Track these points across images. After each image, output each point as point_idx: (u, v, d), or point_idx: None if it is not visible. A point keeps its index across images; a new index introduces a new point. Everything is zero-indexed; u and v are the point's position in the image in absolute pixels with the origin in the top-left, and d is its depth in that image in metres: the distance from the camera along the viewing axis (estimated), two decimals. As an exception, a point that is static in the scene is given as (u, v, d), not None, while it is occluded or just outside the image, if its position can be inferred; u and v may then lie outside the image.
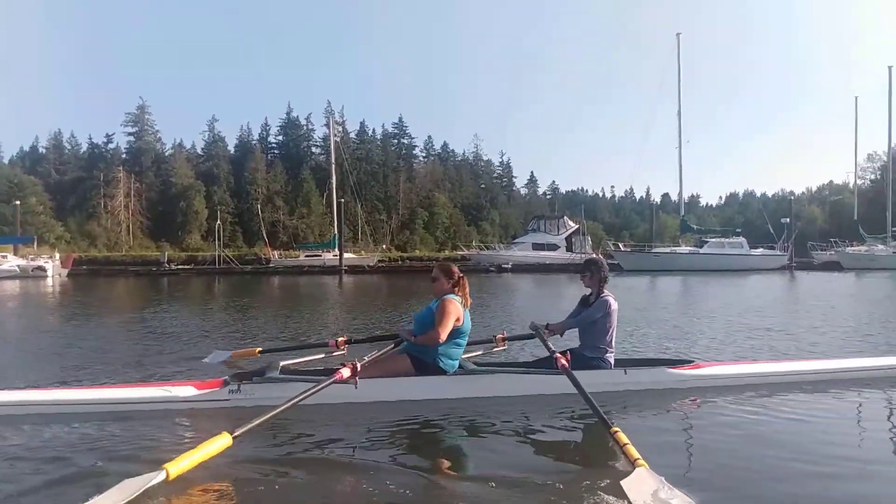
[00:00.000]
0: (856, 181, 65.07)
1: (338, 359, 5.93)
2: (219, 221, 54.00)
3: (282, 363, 5.60)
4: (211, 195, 78.47)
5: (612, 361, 5.74)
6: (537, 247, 53.30)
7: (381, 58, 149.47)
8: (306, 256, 53.14)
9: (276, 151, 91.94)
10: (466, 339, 5.54)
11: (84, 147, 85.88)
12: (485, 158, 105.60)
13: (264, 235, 57.98)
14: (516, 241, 59.21)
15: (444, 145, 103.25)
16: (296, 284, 33.24)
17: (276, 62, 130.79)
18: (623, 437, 3.82)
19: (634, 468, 3.50)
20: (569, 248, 53.57)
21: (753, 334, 9.86)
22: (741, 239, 50.48)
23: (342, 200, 49.04)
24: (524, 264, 48.60)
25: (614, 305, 5.77)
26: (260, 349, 7.24)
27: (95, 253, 64.73)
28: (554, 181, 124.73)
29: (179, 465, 3.28)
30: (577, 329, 5.92)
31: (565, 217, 57.52)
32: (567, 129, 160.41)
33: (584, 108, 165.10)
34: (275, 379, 5.13)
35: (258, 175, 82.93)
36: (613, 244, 54.26)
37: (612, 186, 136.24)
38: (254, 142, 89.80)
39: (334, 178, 56.19)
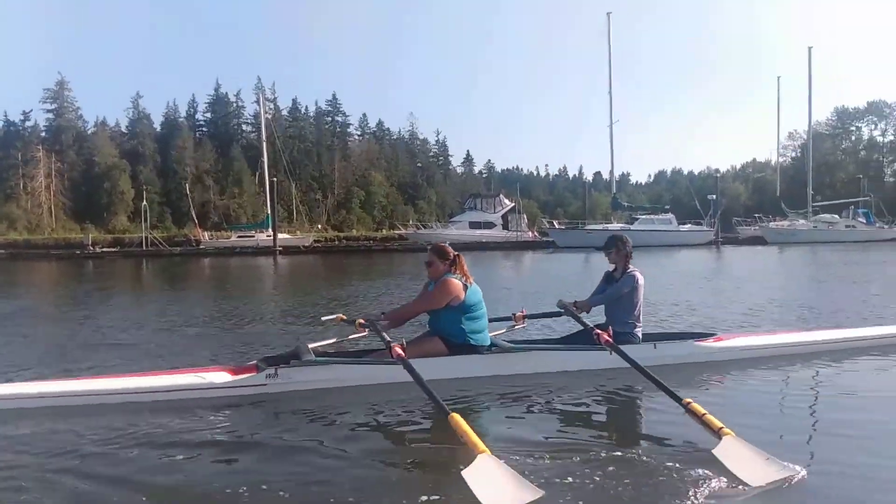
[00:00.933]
0: (778, 159, 67.58)
1: (359, 339, 6.02)
2: (144, 202, 52.02)
3: (309, 344, 5.48)
4: (137, 175, 75.62)
5: (640, 336, 5.80)
6: (474, 225, 53.38)
7: (314, 33, 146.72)
8: (238, 237, 51.72)
9: (204, 129, 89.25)
10: (481, 312, 5.42)
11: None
12: (420, 137, 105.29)
13: (193, 216, 56.18)
14: (453, 219, 59.24)
15: (380, 123, 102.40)
16: (228, 266, 32.30)
17: (203, 37, 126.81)
18: (699, 408, 3.81)
19: (720, 437, 3.50)
20: (505, 227, 53.83)
21: (697, 306, 10.26)
22: (670, 215, 51.89)
23: (274, 179, 47.86)
24: (461, 243, 48.61)
25: (641, 280, 5.85)
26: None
27: (15, 236, 61.73)
28: (490, 160, 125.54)
29: (480, 443, 3.29)
30: (601, 305, 5.97)
31: (501, 195, 57.73)
32: (503, 108, 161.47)
33: (519, 87, 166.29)
34: (315, 362, 5.01)
35: (186, 154, 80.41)
36: (548, 222, 54.92)
37: (547, 165, 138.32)
38: (181, 119, 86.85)
39: (266, 156, 54.82)
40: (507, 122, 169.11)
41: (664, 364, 5.23)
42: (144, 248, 48.31)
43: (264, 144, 55.34)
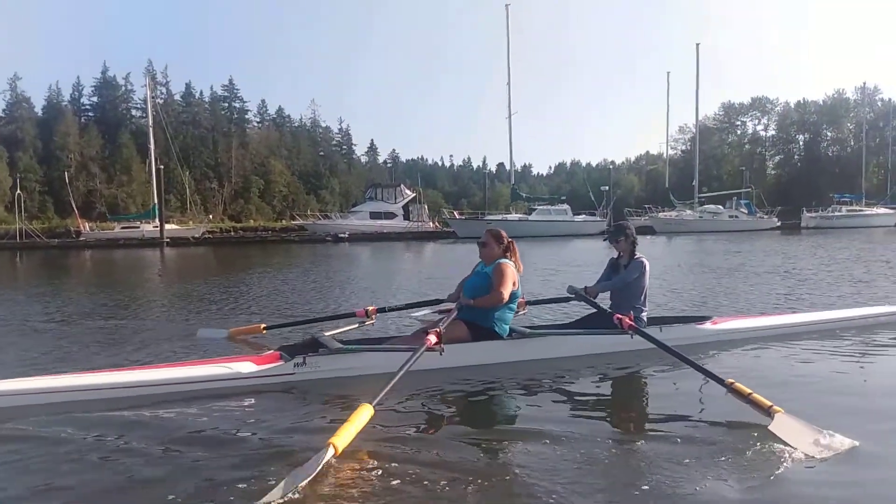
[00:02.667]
0: (667, 151, 70.20)
1: (370, 328, 6.07)
2: (18, 191, 48.46)
3: (327, 333, 5.44)
4: (15, 162, 70.40)
5: (646, 320, 5.89)
6: (374, 215, 52.80)
7: (208, 12, 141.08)
8: (122, 228, 48.88)
9: (90, 114, 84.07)
10: (515, 305, 5.49)
11: None
12: (323, 125, 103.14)
13: (73, 205, 52.81)
14: (353, 209, 58.41)
15: (280, 110, 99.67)
16: (110, 259, 30.66)
17: (87, 12, 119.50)
18: (744, 387, 3.85)
19: (772, 415, 3.57)
20: (406, 217, 53.60)
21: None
22: (565, 206, 53.30)
23: (161, 167, 45.57)
24: (361, 233, 48.12)
25: (648, 266, 6.02)
26: (264, 325, 6.92)
27: None
28: (394, 150, 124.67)
29: (342, 440, 3.16)
30: (606, 290, 6.11)
31: (402, 186, 57.37)
32: (407, 97, 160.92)
33: (424, 76, 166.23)
34: (344, 350, 4.99)
35: (70, 140, 75.40)
36: (449, 212, 55.12)
37: (451, 155, 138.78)
38: (64, 103, 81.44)
39: (152, 141, 52.09)
40: (412, 112, 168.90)
41: (671, 346, 5.25)
42: (19, 239, 45.01)
43: (151, 129, 52.54)
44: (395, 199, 54.49)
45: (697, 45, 61.29)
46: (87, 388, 4.48)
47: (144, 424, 3.94)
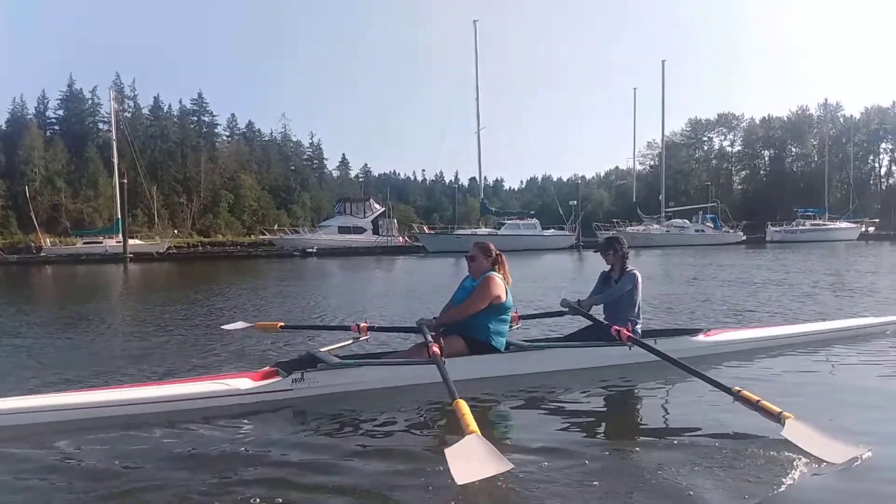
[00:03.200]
0: (634, 166, 71.05)
1: (362, 344, 6.01)
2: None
3: (322, 349, 5.41)
4: (-22, 177, 69.03)
5: (640, 332, 5.87)
6: (343, 230, 52.37)
7: (180, 30, 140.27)
8: (85, 244, 47.90)
9: (56, 128, 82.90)
10: (509, 317, 5.45)
11: None
12: (294, 139, 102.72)
13: (34, 220, 51.83)
14: (322, 224, 57.99)
15: (250, 124, 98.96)
16: (72, 275, 29.94)
17: (53, 25, 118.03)
18: (751, 395, 3.82)
19: (783, 421, 3.53)
20: (375, 231, 53.32)
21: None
22: (534, 220, 53.64)
23: (125, 181, 44.87)
24: (330, 248, 47.82)
25: (640, 278, 6.03)
26: (282, 324, 6.89)
27: None
28: (366, 164, 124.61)
29: (473, 425, 3.24)
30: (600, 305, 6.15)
31: (371, 200, 57.11)
32: (380, 112, 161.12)
33: (397, 91, 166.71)
34: (343, 365, 4.94)
35: (35, 153, 74.12)
36: (418, 227, 55.05)
37: (424, 170, 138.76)
38: (29, 116, 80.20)
39: (116, 156, 51.37)
40: (385, 126, 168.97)
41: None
42: (-22, 256, 44.01)
43: (115, 143, 51.82)
44: (365, 213, 54.21)
45: (663, 61, 62.36)
46: (78, 406, 4.37)
47: (140, 445, 3.84)
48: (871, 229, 60.48)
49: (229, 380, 4.83)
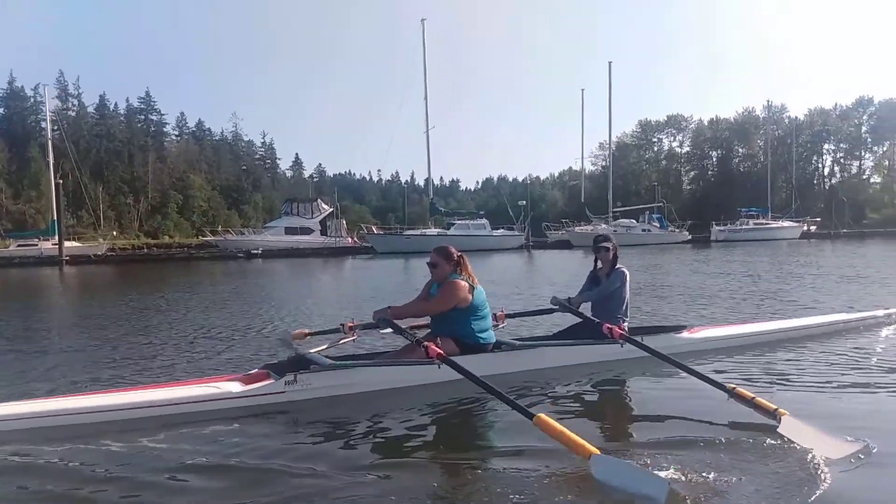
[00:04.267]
0: (582, 167, 71.67)
1: (351, 343, 5.89)
2: None
3: (312, 350, 5.26)
4: None
5: (628, 329, 5.86)
6: (290, 231, 51.58)
7: (124, 23, 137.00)
8: (19, 246, 46.37)
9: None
10: (487, 311, 5.41)
11: None
12: (246, 138, 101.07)
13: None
14: (268, 225, 57.13)
15: (199, 123, 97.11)
16: (4, 279, 28.82)
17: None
18: (746, 392, 3.88)
19: (778, 417, 3.59)
20: (323, 232, 52.63)
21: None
22: (484, 221, 53.69)
23: (59, 182, 43.48)
24: (276, 249, 47.04)
25: (628, 275, 6.11)
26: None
27: None
28: (320, 164, 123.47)
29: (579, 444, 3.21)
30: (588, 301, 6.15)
31: (319, 200, 56.33)
32: (336, 112, 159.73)
33: (352, 91, 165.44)
34: (338, 366, 4.84)
35: (-27, 152, 71.66)
36: (367, 227, 54.55)
37: (379, 170, 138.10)
38: (-34, 113, 77.39)
39: (51, 155, 49.80)
40: (340, 127, 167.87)
41: (650, 356, 5.22)
42: None
43: (49, 142, 50.18)
44: (312, 213, 53.42)
45: (610, 63, 62.94)
46: (65, 412, 4.26)
47: (128, 450, 3.77)
48: (814, 228, 61.98)
49: (219, 383, 4.76)
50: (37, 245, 45.42)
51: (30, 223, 67.04)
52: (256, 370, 5.01)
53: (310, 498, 3.05)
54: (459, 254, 5.36)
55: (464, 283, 5.20)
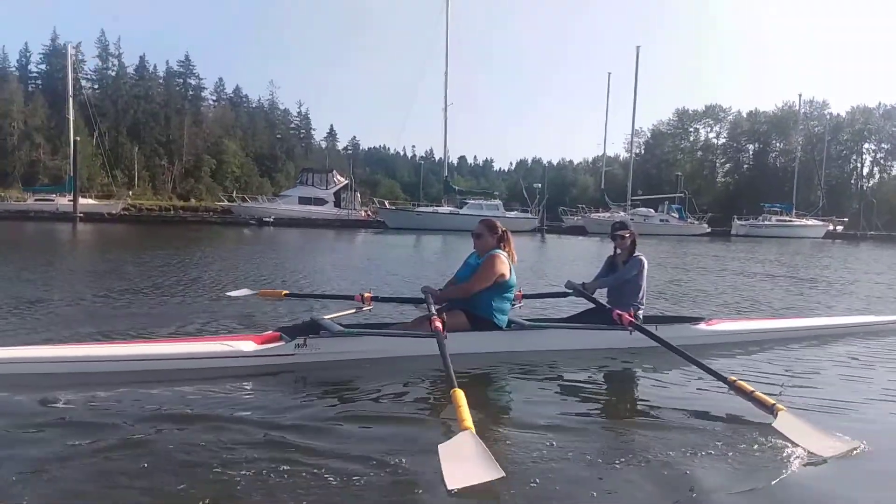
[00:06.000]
0: (604, 153, 70.36)
1: (366, 314, 6.01)
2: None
3: (326, 317, 5.37)
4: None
5: (642, 318, 5.85)
6: (304, 200, 51.86)
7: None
8: (36, 200, 47.79)
9: (38, 82, 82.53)
10: (512, 295, 5.50)
11: None
12: (282, 107, 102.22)
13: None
14: (282, 194, 57.74)
15: (237, 90, 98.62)
16: (18, 232, 29.67)
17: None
18: (746, 385, 3.89)
19: (775, 413, 3.59)
20: (337, 204, 53.04)
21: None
22: (497, 201, 53.29)
23: (77, 139, 44.70)
24: (288, 218, 47.66)
25: (646, 264, 6.02)
26: (286, 292, 7.21)
27: None
28: (355, 136, 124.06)
29: (469, 420, 3.20)
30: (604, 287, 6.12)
31: (335, 172, 56.71)
32: (376, 86, 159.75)
33: (392, 67, 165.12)
34: (346, 333, 4.94)
35: (14, 108, 73.88)
36: (379, 202, 54.79)
37: (413, 146, 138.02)
38: (11, 69, 79.81)
39: (71, 112, 50.94)
40: (376, 100, 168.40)
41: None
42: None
43: (70, 99, 51.32)
44: (328, 185, 53.72)
45: (638, 47, 61.65)
46: (78, 359, 4.42)
47: (142, 399, 3.90)
48: (840, 228, 60.11)
49: (232, 342, 4.86)
50: (53, 200, 46.79)
51: (66, 179, 69.15)
52: (270, 332, 5.13)
53: (304, 453, 3.16)
54: (504, 229, 5.42)
55: (505, 259, 5.26)
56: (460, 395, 3.42)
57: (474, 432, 3.11)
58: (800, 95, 74.04)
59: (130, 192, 61.07)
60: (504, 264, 5.24)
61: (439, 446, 2.99)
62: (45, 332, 5.90)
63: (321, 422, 3.63)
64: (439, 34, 53.99)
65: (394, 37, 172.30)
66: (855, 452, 3.33)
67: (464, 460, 2.90)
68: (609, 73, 63.18)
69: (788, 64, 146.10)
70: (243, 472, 2.91)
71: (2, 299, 7.76)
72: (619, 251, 6.17)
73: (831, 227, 58.70)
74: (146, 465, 2.97)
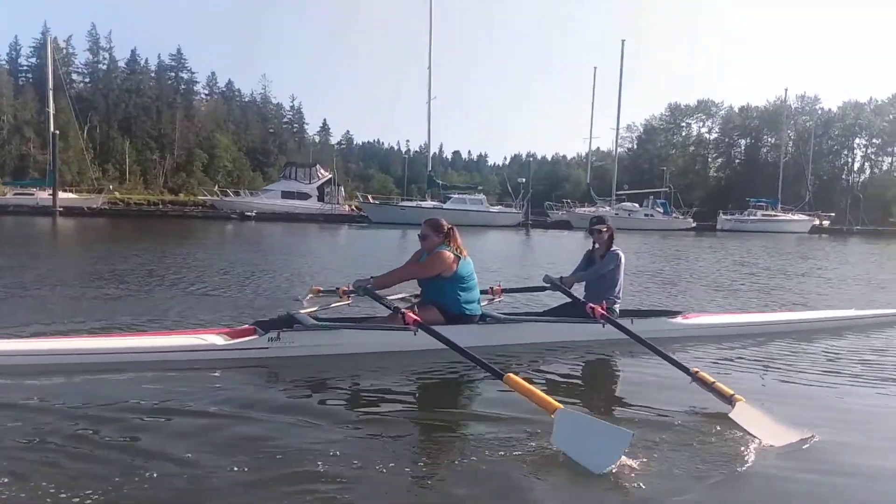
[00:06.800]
0: (590, 147, 70.02)
1: (343, 307, 6.01)
2: None
3: (301, 310, 5.43)
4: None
5: (619, 311, 6.00)
6: (287, 195, 51.86)
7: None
8: (15, 194, 47.68)
9: (28, 76, 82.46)
10: (473, 283, 5.54)
11: None
12: (274, 101, 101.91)
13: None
14: (265, 188, 57.77)
15: (229, 83, 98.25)
16: None
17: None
18: (707, 376, 4.01)
19: (733, 403, 3.71)
20: (321, 198, 53.03)
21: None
22: (481, 196, 53.36)
23: (56, 132, 44.62)
24: (271, 213, 47.62)
25: (623, 258, 6.15)
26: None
27: None
28: (348, 131, 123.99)
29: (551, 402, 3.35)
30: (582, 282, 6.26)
31: (318, 166, 56.55)
32: (368, 80, 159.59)
33: (385, 61, 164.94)
34: (320, 327, 4.99)
35: (3, 101, 73.83)
36: (363, 196, 54.74)
37: (408, 140, 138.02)
38: (1, 62, 79.69)
39: (52, 103, 50.89)
40: (371, 95, 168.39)
41: (640, 338, 5.14)
42: None
43: (50, 93, 51.26)
44: (311, 179, 53.63)
45: (623, 41, 61.39)
46: (50, 352, 4.45)
47: (112, 392, 3.91)
48: (826, 223, 59.98)
49: (205, 335, 4.91)
50: (33, 194, 46.72)
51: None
52: (245, 326, 5.21)
53: (277, 442, 3.21)
54: (450, 226, 5.51)
55: (449, 254, 5.34)
56: (518, 380, 3.59)
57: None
58: (786, 90, 73.97)
59: (111, 186, 60.81)
60: (447, 258, 5.34)
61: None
62: (12, 327, 5.84)
63: (292, 416, 3.64)
64: (423, 28, 53.84)
65: (384, 31, 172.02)
66: (806, 442, 3.44)
67: (586, 437, 3.12)
68: (595, 68, 62.97)
69: (780, 58, 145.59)
70: (206, 465, 2.91)
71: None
72: (597, 245, 6.27)
73: (817, 222, 58.57)
74: (109, 456, 2.99)
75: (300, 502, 2.67)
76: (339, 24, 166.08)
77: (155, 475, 2.80)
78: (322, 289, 6.17)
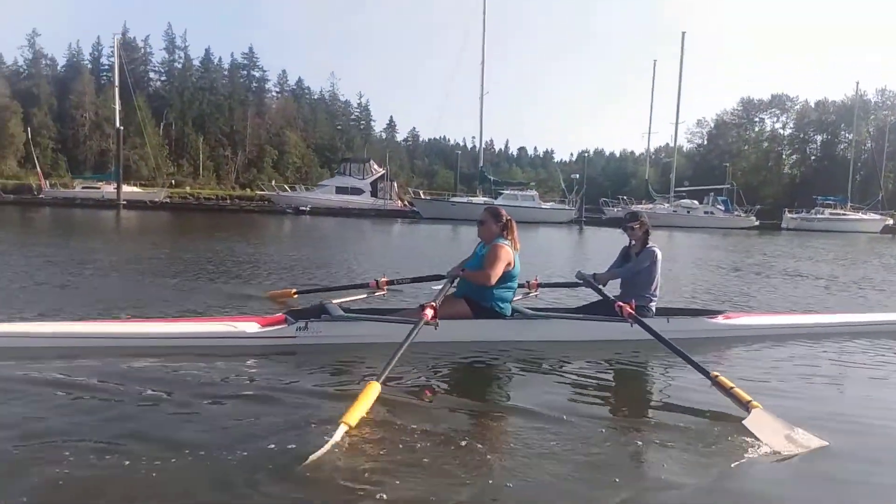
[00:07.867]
0: (649, 144, 68.21)
1: (378, 299, 6.13)
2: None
3: (334, 301, 5.55)
4: (30, 118, 72.90)
5: (655, 310, 5.89)
6: (341, 190, 52.77)
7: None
8: (83, 188, 50.20)
9: (108, 75, 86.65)
10: (515, 284, 5.54)
11: None
12: (342, 99, 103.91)
13: (37, 161, 53.88)
14: (320, 183, 58.85)
15: (299, 81, 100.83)
16: (64, 217, 31.29)
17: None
18: (727, 381, 3.93)
19: (749, 409, 3.63)
20: (374, 194, 53.70)
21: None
22: (533, 192, 52.88)
23: (121, 128, 46.84)
24: (325, 208, 48.64)
25: (659, 255, 5.98)
26: (296, 290, 7.30)
27: None
28: (414, 128, 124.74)
29: (353, 417, 3.18)
30: (617, 279, 6.12)
31: (371, 162, 57.36)
32: (436, 77, 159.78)
33: (454, 57, 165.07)
34: (346, 318, 5.13)
35: (86, 99, 78.06)
36: (414, 192, 55.13)
37: (473, 137, 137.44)
38: (84, 62, 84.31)
39: (118, 102, 53.05)
40: (439, 92, 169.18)
41: (676, 338, 4.91)
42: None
43: (116, 90, 53.61)
44: (364, 175, 54.44)
45: (683, 33, 59.58)
46: (93, 335, 4.70)
47: (145, 375, 4.10)
48: (898, 223, 56.52)
49: (238, 322, 5.09)
50: (99, 188, 49.14)
51: (133, 169, 72.57)
52: (278, 315, 5.32)
53: (298, 425, 3.35)
54: (509, 217, 5.45)
55: (509, 249, 5.30)
56: (374, 391, 3.44)
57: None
58: (857, 83, 69.91)
59: (173, 181, 63.37)
60: (508, 254, 5.27)
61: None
62: (70, 310, 6.17)
63: (313, 400, 3.75)
64: (478, 25, 53.81)
65: (444, 29, 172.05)
66: (822, 452, 3.33)
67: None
68: (655, 61, 61.29)
69: (854, 49, 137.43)
70: (227, 447, 3.01)
71: (27, 277, 8.47)
72: (632, 242, 6.11)
73: (890, 222, 55.13)
74: (144, 438, 3.11)
75: (327, 486, 2.74)
76: (405, 20, 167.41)
77: (179, 454, 2.92)
78: (388, 280, 6.33)
